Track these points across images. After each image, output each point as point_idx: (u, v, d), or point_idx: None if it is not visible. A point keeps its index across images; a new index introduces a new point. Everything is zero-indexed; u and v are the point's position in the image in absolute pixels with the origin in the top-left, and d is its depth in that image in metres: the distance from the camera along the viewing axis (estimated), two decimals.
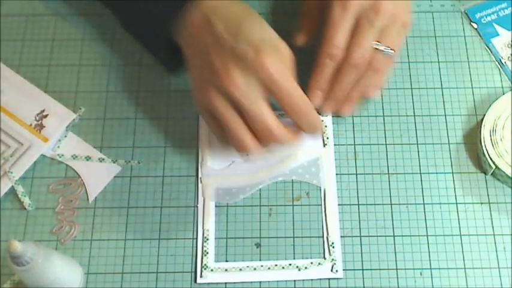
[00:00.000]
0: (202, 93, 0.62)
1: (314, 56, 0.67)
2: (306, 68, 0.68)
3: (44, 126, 0.71)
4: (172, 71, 0.73)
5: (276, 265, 0.65)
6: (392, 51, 0.66)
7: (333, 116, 0.72)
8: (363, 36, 0.65)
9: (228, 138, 0.63)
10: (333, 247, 0.65)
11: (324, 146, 0.70)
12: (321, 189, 0.68)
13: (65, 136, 0.71)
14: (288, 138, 0.62)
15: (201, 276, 0.64)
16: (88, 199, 0.68)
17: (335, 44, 0.65)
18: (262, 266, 0.65)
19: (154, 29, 0.66)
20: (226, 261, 0.65)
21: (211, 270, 0.64)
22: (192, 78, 0.64)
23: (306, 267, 0.65)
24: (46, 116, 0.72)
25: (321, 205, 0.68)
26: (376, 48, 0.66)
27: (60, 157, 0.70)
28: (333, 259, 0.65)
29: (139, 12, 0.67)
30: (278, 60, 0.59)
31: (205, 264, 0.65)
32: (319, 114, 0.70)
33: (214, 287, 0.64)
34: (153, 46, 0.70)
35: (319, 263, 0.65)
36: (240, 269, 0.65)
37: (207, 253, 0.65)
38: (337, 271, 0.64)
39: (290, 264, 0.65)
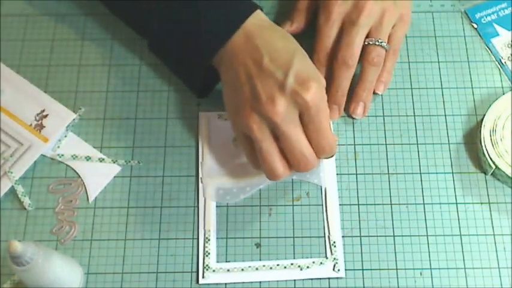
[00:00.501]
0: (240, 115, 0.62)
1: None
2: None
3: (44, 126, 0.71)
4: (201, 96, 0.73)
5: (277, 265, 0.65)
6: (384, 43, 0.69)
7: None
8: (348, 35, 0.69)
9: (260, 163, 0.63)
10: (335, 246, 0.65)
11: None
12: (321, 189, 0.68)
13: (65, 136, 0.71)
14: (316, 164, 0.63)
15: (203, 277, 0.64)
16: (88, 199, 0.68)
17: (321, 50, 0.70)
18: (264, 265, 0.65)
19: (193, 59, 0.67)
20: (227, 261, 0.65)
21: (213, 270, 0.64)
22: (228, 100, 0.65)
23: (307, 267, 0.65)
24: (46, 116, 0.72)
25: (322, 204, 0.68)
26: (370, 44, 0.69)
27: (60, 157, 0.70)
28: (334, 258, 0.65)
29: (179, 40, 0.67)
30: (318, 91, 0.60)
31: (207, 265, 0.65)
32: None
33: (214, 287, 0.64)
34: (187, 75, 0.71)
35: (321, 263, 0.65)
36: (242, 269, 0.65)
37: (209, 254, 0.65)
38: (339, 270, 0.64)
39: (292, 264, 0.65)
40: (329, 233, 0.66)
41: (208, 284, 0.64)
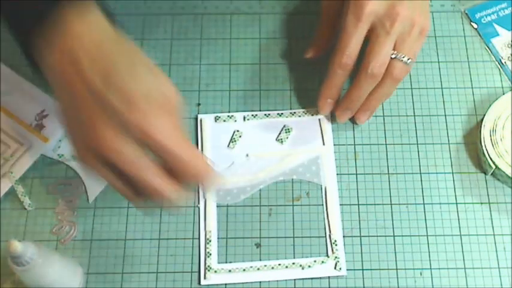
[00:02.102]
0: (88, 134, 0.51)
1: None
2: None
3: (44, 126, 0.71)
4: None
5: (279, 264, 0.65)
6: (410, 59, 0.65)
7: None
8: (379, 45, 0.64)
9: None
10: (336, 245, 0.65)
11: (324, 144, 0.70)
12: (321, 189, 0.68)
13: (65, 136, 0.71)
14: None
15: (204, 278, 0.64)
16: (88, 199, 0.68)
17: (347, 53, 0.65)
18: (265, 265, 0.65)
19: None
20: (227, 261, 0.65)
21: (215, 271, 0.64)
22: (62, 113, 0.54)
23: (309, 266, 0.64)
24: (46, 116, 0.72)
25: (322, 204, 0.68)
26: (395, 58, 0.65)
27: (60, 157, 0.70)
28: (336, 257, 0.65)
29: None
30: (161, 117, 0.51)
31: (208, 266, 0.64)
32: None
33: None
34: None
35: (323, 261, 0.65)
36: (244, 270, 0.64)
37: (210, 254, 0.65)
38: (340, 269, 0.64)
39: (293, 263, 0.65)
40: (330, 231, 0.66)
41: (209, 285, 0.64)
